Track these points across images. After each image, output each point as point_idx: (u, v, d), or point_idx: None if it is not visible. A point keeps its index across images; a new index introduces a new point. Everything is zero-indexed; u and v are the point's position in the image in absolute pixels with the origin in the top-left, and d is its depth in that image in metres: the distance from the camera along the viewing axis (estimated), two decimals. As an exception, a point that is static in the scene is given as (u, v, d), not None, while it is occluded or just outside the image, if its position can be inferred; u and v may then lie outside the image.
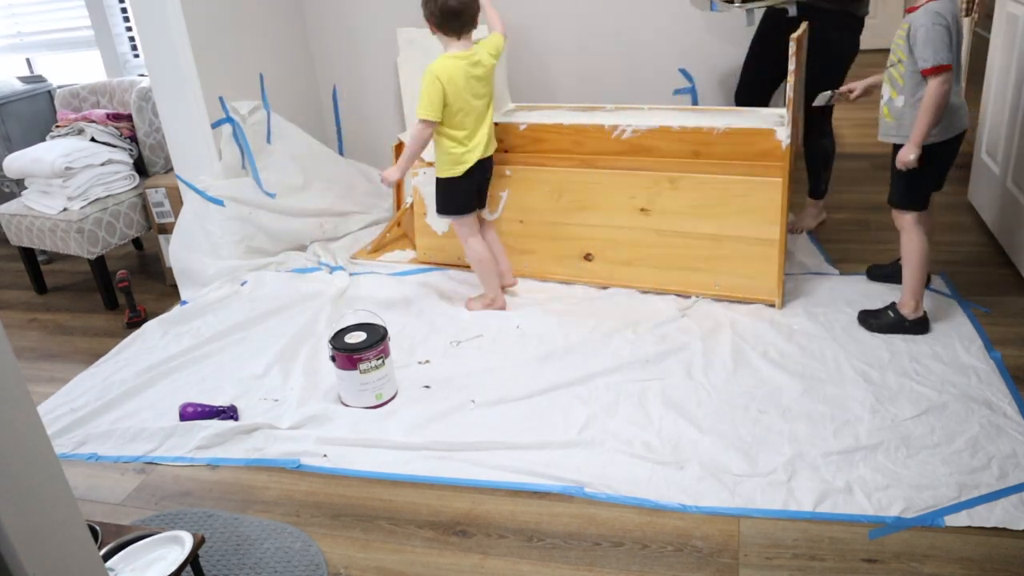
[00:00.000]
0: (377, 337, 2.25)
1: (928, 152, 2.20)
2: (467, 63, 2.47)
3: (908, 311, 2.38)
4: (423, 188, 3.07)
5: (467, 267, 3.08)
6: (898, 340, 2.35)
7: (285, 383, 2.44)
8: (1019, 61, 2.68)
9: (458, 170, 2.57)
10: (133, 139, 3.38)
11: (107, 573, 1.34)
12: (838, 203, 3.34)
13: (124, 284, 3.01)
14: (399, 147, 3.39)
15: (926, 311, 2.39)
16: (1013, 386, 2.10)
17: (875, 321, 2.42)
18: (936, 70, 2.10)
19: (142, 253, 3.84)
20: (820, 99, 2.58)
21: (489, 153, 2.65)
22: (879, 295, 2.61)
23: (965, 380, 2.14)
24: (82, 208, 3.11)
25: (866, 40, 2.89)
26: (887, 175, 3.05)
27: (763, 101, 3.06)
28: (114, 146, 3.29)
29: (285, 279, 3.10)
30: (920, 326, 2.38)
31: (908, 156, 2.19)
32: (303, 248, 3.40)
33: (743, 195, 2.55)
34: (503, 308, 2.76)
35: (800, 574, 1.61)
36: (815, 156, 3.08)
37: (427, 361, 2.50)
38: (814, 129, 2.99)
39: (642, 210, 2.70)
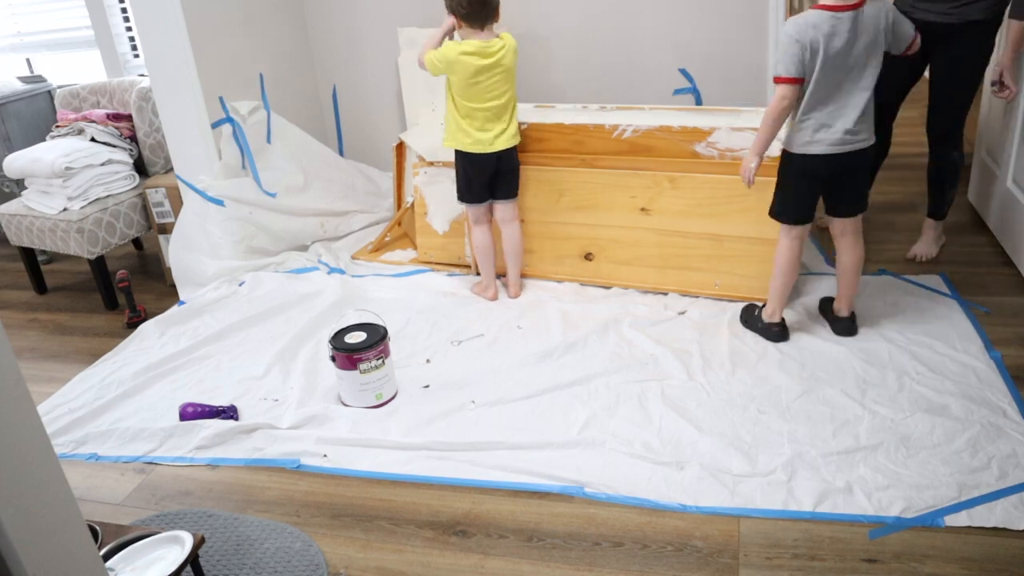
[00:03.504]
0: (377, 337, 2.25)
1: (783, 160, 2.29)
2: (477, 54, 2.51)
3: (765, 314, 2.44)
4: (424, 188, 3.07)
5: (467, 267, 3.09)
6: (898, 340, 2.35)
7: (285, 383, 2.44)
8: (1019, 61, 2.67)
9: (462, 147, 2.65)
10: (133, 139, 3.38)
11: (107, 573, 1.34)
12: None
13: (124, 284, 3.01)
14: (399, 147, 3.39)
15: (784, 319, 2.43)
16: (1013, 386, 2.10)
17: (746, 317, 2.51)
18: (777, 80, 2.15)
19: (142, 253, 3.84)
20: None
21: (498, 148, 2.64)
22: (879, 294, 2.62)
23: (965, 380, 2.14)
24: (82, 208, 3.11)
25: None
26: (888, 175, 3.06)
27: (892, 115, 2.85)
28: (114, 146, 3.29)
29: (283, 279, 3.10)
30: (772, 332, 2.41)
31: (746, 163, 2.24)
32: (304, 248, 3.41)
33: (743, 195, 2.55)
34: (493, 299, 2.83)
35: (800, 574, 1.61)
36: (943, 170, 2.78)
37: (427, 361, 2.50)
38: (948, 141, 2.72)
39: (642, 210, 2.70)
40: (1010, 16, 2.45)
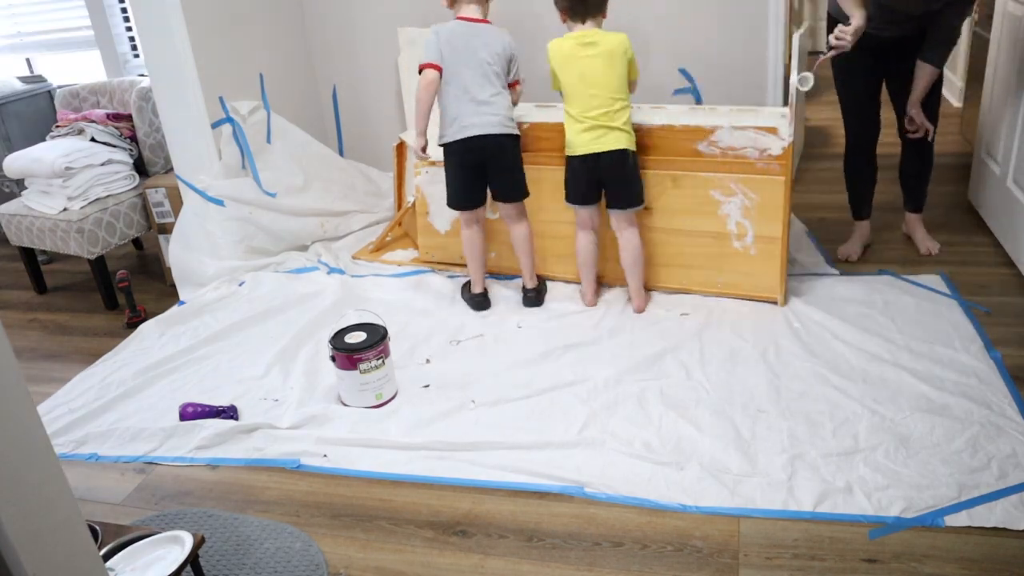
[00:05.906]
0: (377, 337, 2.25)
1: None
2: (577, 42, 2.53)
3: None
4: (426, 188, 3.07)
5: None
6: (898, 340, 2.35)
7: (285, 383, 2.44)
8: (1019, 61, 2.67)
9: None
10: (133, 139, 3.38)
11: (107, 573, 1.34)
12: (839, 203, 3.33)
13: (124, 284, 3.01)
14: (400, 147, 3.39)
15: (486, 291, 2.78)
16: (1013, 386, 2.10)
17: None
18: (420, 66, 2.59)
19: (142, 253, 3.84)
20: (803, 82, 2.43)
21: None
22: (880, 294, 2.62)
23: (965, 380, 2.14)
24: (82, 208, 3.11)
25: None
26: (889, 175, 3.06)
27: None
28: (114, 146, 3.29)
29: (283, 279, 3.10)
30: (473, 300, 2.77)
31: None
32: (304, 248, 3.41)
33: (745, 193, 2.55)
34: (590, 305, 2.74)
35: (800, 574, 1.61)
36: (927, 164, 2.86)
37: (427, 361, 2.50)
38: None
39: (645, 208, 2.70)
40: (923, 59, 2.56)
